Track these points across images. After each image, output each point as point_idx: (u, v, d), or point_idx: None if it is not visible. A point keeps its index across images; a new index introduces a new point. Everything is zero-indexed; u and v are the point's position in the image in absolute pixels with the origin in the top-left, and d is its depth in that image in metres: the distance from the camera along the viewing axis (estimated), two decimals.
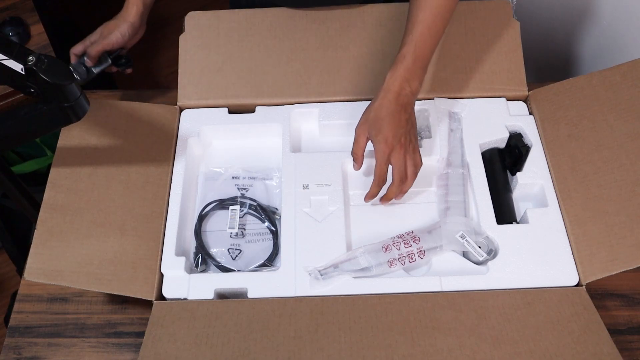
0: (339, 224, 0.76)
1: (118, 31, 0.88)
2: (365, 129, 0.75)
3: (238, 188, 0.83)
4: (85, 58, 0.88)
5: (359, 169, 0.78)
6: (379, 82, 0.85)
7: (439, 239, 0.73)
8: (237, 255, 0.77)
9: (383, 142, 0.72)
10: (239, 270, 0.76)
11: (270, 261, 0.76)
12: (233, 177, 0.84)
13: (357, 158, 0.76)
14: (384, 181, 0.75)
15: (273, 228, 0.79)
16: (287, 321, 0.68)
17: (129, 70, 0.93)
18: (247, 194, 0.82)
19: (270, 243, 0.78)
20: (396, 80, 0.73)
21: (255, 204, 0.80)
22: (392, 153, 0.72)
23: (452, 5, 0.74)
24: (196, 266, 0.76)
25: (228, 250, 0.78)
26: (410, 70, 0.72)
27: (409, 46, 0.73)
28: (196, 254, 0.77)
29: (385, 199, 0.77)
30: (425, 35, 0.72)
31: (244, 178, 0.83)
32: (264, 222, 0.79)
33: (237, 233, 0.79)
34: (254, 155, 0.87)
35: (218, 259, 0.77)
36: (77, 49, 0.89)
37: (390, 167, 0.74)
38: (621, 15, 1.00)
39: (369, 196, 0.76)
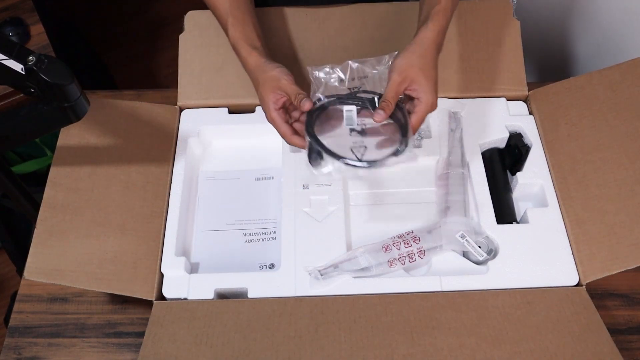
0: (339, 224, 0.76)
1: (292, 85, 0.72)
2: (409, 74, 0.68)
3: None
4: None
5: (385, 118, 0.67)
6: None
7: (439, 238, 0.73)
8: (362, 154, 0.68)
9: (434, 93, 0.68)
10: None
11: (396, 153, 0.67)
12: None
13: (388, 106, 0.67)
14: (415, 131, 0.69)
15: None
16: (287, 321, 0.68)
17: None
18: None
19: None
20: (440, 32, 0.70)
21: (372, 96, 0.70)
22: (431, 108, 0.68)
23: None
24: (312, 164, 0.68)
25: (351, 149, 0.68)
26: (441, 36, 0.70)
27: (437, 15, 0.70)
28: (311, 151, 0.67)
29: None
30: (444, 14, 0.71)
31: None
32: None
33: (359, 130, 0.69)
34: (254, 155, 0.87)
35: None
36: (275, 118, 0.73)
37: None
38: (621, 15, 1.00)
39: (381, 116, 0.67)
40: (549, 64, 1.27)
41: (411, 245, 0.73)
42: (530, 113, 0.85)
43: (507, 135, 0.83)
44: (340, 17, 0.89)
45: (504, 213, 0.78)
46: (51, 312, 0.76)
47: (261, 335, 0.67)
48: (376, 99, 0.70)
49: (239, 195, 0.83)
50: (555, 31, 1.21)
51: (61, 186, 0.75)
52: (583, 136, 0.78)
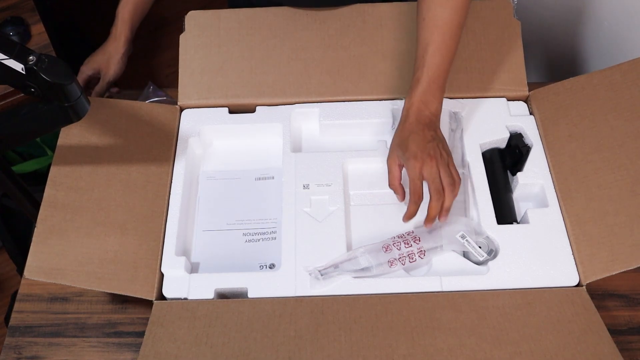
0: (339, 224, 0.76)
1: (117, 66, 0.91)
2: (395, 156, 0.74)
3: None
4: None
5: (403, 199, 0.75)
6: (379, 81, 0.86)
7: (440, 239, 0.73)
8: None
9: (412, 158, 0.71)
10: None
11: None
12: None
13: (396, 189, 0.74)
14: (420, 197, 0.71)
15: None
16: (287, 321, 0.68)
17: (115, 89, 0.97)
18: None
19: None
20: (413, 105, 0.73)
21: None
22: (424, 167, 0.70)
23: (460, 21, 0.73)
24: None
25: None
26: (427, 93, 0.73)
27: (422, 70, 0.73)
28: None
29: (428, 220, 0.72)
30: (436, 56, 0.72)
31: None
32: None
33: None
34: (255, 155, 0.87)
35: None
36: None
37: (425, 183, 0.71)
38: (621, 15, 1.00)
39: (408, 216, 0.72)
40: (549, 64, 1.27)
41: (411, 246, 0.73)
42: (531, 113, 0.85)
43: (508, 135, 0.83)
44: (341, 17, 0.89)
45: (505, 213, 0.78)
46: (51, 312, 0.76)
47: (261, 335, 0.67)
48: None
49: (240, 195, 0.83)
50: (556, 31, 1.21)
51: (61, 185, 0.75)
52: (584, 136, 0.78)
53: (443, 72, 0.73)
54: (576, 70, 1.17)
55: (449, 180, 0.71)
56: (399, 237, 0.74)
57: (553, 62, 1.25)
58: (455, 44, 0.74)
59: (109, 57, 0.91)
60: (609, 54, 1.04)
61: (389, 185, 0.75)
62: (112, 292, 0.70)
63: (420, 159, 0.70)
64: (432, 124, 0.73)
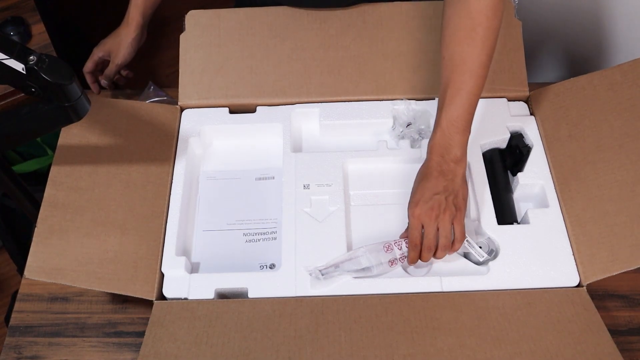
0: (340, 224, 0.76)
1: (126, 50, 0.92)
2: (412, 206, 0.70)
3: None
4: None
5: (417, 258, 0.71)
6: (379, 81, 0.86)
7: None
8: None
9: (414, 206, 0.69)
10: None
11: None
12: None
13: (415, 247, 0.69)
14: (418, 247, 0.69)
15: None
16: (287, 321, 0.68)
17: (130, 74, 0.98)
18: None
19: None
20: (433, 148, 0.70)
21: None
22: (423, 219, 0.68)
23: (483, 60, 0.69)
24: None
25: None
26: (445, 137, 0.69)
27: (440, 113, 0.70)
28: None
29: (409, 261, 0.71)
30: (456, 97, 0.69)
31: None
32: None
33: None
34: (255, 155, 0.87)
35: None
36: (88, 67, 0.93)
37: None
38: (622, 15, 1.00)
39: (410, 261, 0.71)
40: (550, 64, 1.27)
41: None
42: (531, 113, 0.85)
43: (508, 135, 0.83)
44: (341, 17, 0.89)
45: (505, 214, 0.78)
46: (52, 312, 0.76)
47: (261, 335, 0.67)
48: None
49: (240, 195, 0.83)
50: (556, 32, 1.20)
51: (62, 185, 0.75)
52: (584, 137, 0.78)
53: (465, 114, 0.69)
54: (577, 70, 1.17)
55: (444, 242, 0.69)
56: (400, 237, 0.74)
57: (554, 62, 1.25)
58: (476, 84, 0.69)
59: (120, 41, 0.92)
60: (610, 54, 1.04)
61: (409, 241, 0.70)
62: (112, 292, 0.71)
63: (421, 209, 0.68)
64: (450, 172, 0.70)
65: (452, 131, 0.70)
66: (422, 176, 0.71)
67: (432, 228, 0.68)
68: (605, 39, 1.05)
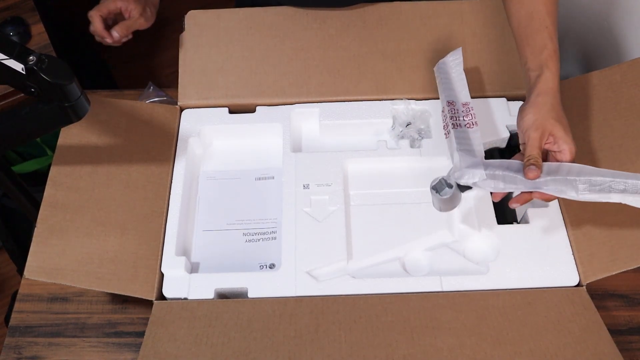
0: (340, 224, 0.76)
1: (152, 11, 0.85)
2: (547, 128, 0.66)
3: None
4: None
5: (539, 175, 0.65)
6: (379, 81, 0.86)
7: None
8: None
9: (573, 141, 0.66)
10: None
11: None
12: None
13: (538, 162, 0.65)
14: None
15: None
16: (287, 321, 0.68)
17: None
18: None
19: None
20: (557, 79, 0.71)
21: None
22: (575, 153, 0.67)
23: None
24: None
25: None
26: (559, 71, 0.72)
27: (546, 58, 0.73)
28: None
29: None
30: (553, 28, 0.76)
31: None
32: None
33: None
34: (255, 155, 0.87)
35: None
36: (103, 11, 0.85)
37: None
38: (621, 15, 1.00)
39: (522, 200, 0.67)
40: None
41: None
42: None
43: (508, 135, 0.83)
44: (341, 17, 0.89)
45: (505, 213, 0.78)
46: (51, 312, 0.76)
47: (261, 335, 0.67)
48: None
49: (240, 195, 0.83)
50: (556, 32, 1.20)
51: (62, 185, 0.75)
52: (583, 136, 0.78)
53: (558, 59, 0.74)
54: (576, 70, 1.17)
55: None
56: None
57: None
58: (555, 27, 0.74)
59: (146, 2, 0.85)
60: (610, 54, 1.04)
61: (530, 158, 0.66)
62: (112, 292, 0.71)
63: (576, 152, 0.67)
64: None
65: (559, 80, 0.72)
66: (565, 116, 0.68)
67: None
68: (605, 39, 1.05)
